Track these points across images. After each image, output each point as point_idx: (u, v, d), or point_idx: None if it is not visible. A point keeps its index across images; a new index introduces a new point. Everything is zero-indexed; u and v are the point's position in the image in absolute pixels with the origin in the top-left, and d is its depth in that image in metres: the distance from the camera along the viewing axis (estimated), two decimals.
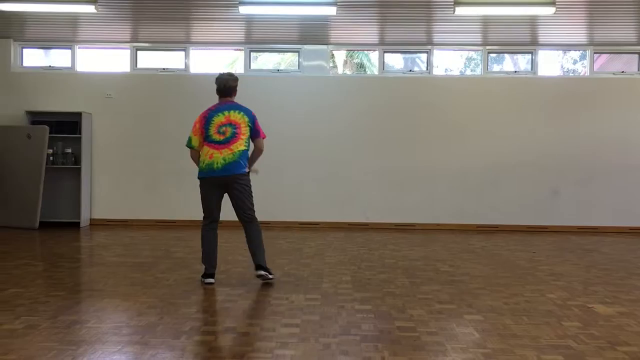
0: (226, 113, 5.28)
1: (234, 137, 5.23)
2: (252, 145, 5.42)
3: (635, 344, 3.69)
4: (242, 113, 5.32)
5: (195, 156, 5.40)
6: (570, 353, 3.50)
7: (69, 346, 3.51)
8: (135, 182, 9.48)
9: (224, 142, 5.21)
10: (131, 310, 4.38)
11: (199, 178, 5.31)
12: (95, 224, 9.39)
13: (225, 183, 5.23)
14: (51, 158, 9.12)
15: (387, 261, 6.49)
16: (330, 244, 7.71)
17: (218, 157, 5.18)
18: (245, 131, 5.30)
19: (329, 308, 4.44)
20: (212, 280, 5.27)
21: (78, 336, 3.71)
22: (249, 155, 5.39)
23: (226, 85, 5.41)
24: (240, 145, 5.25)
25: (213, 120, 5.27)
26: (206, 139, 5.27)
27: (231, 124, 5.25)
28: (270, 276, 5.30)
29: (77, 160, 9.23)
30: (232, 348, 3.57)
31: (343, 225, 9.29)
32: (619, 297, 4.94)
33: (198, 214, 9.07)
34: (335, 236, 8.37)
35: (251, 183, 5.36)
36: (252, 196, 5.35)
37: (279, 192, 9.13)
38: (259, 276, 5.27)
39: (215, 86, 5.46)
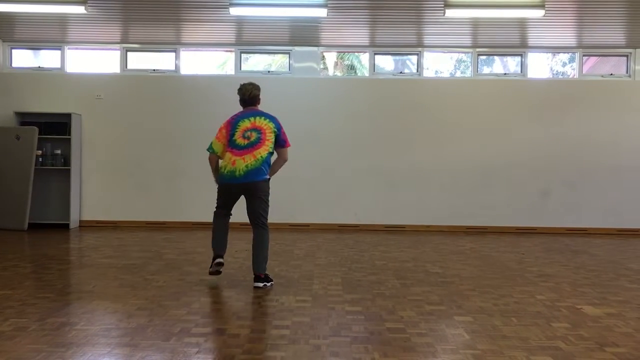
0: (252, 119, 5.30)
1: (258, 142, 5.23)
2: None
3: (624, 345, 3.71)
4: (268, 120, 5.33)
5: (214, 161, 5.40)
6: (559, 354, 3.51)
7: (57, 348, 3.49)
8: (125, 184, 9.44)
9: (247, 146, 5.20)
10: (121, 312, 4.36)
11: (219, 182, 5.34)
12: (85, 225, 9.35)
13: (245, 189, 5.24)
14: (40, 159, 9.07)
15: (377, 263, 6.50)
16: (321, 245, 7.71)
17: (241, 163, 5.16)
18: (270, 137, 5.28)
19: (319, 310, 4.45)
20: (220, 260, 5.29)
21: (67, 338, 3.69)
22: (271, 163, 5.38)
23: (251, 95, 5.41)
24: (264, 150, 5.23)
25: (239, 125, 5.28)
26: (230, 144, 5.25)
27: (256, 129, 5.26)
28: (268, 284, 5.27)
29: (66, 161, 9.19)
30: (222, 350, 3.56)
31: (333, 227, 9.30)
32: (607, 298, 4.97)
33: (188, 216, 9.14)
34: (325, 238, 8.38)
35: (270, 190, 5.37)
36: (268, 205, 5.36)
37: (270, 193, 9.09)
38: (257, 287, 5.24)
39: (238, 97, 5.46)
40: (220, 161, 5.34)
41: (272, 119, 5.37)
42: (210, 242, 5.47)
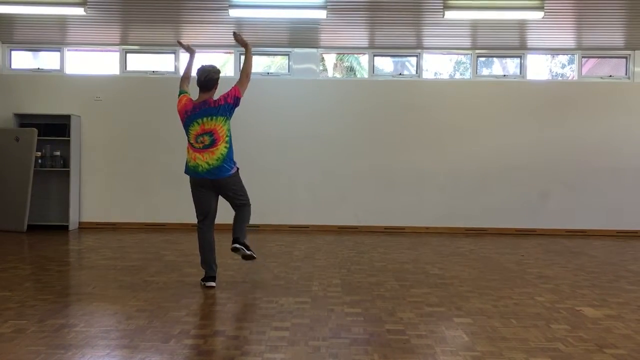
0: (200, 122, 5.12)
1: (213, 144, 5.14)
2: (232, 138, 5.31)
3: (623, 346, 3.71)
4: (214, 117, 5.12)
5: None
6: (558, 355, 3.52)
7: (57, 350, 3.49)
8: (125, 185, 9.44)
9: (203, 148, 5.16)
10: (120, 313, 4.36)
11: (185, 173, 5.31)
12: (84, 227, 9.34)
13: (212, 184, 5.21)
14: (40, 161, 9.07)
15: (376, 264, 6.50)
16: (320, 247, 7.71)
17: (201, 161, 5.15)
18: (223, 132, 5.16)
19: (319, 311, 4.45)
20: (213, 283, 5.26)
21: (66, 340, 3.69)
22: (233, 156, 5.27)
23: (207, 77, 5.19)
24: (221, 148, 5.16)
25: (190, 129, 5.19)
26: (188, 140, 5.24)
27: (207, 132, 5.14)
28: (248, 252, 5.25)
29: (65, 163, 9.18)
30: (221, 352, 3.56)
31: (333, 228, 9.30)
32: (607, 300, 4.97)
33: (188, 217, 9.08)
34: (325, 239, 8.38)
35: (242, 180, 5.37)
36: (244, 190, 5.34)
37: (269, 194, 9.11)
38: (234, 250, 5.23)
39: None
40: (186, 154, 5.28)
41: (217, 110, 5.13)
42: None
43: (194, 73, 5.43)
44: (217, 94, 5.29)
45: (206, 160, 5.14)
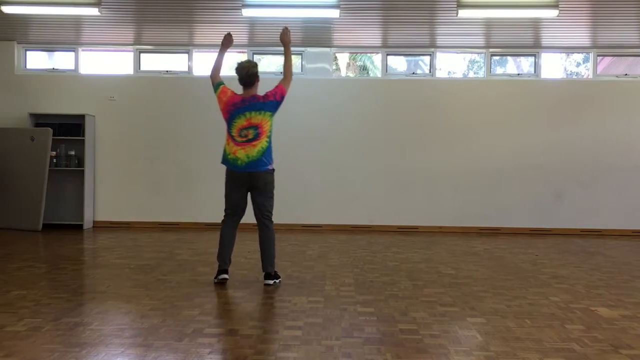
0: (248, 115, 5.23)
1: (256, 137, 5.24)
2: (272, 134, 5.42)
3: (639, 347, 3.68)
4: (262, 112, 5.25)
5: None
6: (573, 356, 3.49)
7: (71, 348, 3.52)
8: (139, 185, 9.49)
9: (246, 142, 5.24)
10: (134, 312, 4.38)
11: (222, 163, 5.35)
12: (99, 226, 9.41)
13: (249, 179, 5.27)
14: (54, 160, 9.14)
15: (390, 264, 6.49)
16: (333, 246, 7.71)
17: (242, 154, 5.22)
18: (267, 126, 5.28)
19: (332, 310, 4.44)
20: (225, 275, 5.32)
21: (81, 338, 3.71)
22: (272, 150, 5.36)
23: (249, 73, 5.31)
24: (262, 142, 5.25)
25: (235, 122, 5.25)
26: (229, 130, 5.29)
27: (252, 126, 5.24)
28: (277, 281, 5.41)
29: (80, 162, 9.25)
30: (234, 350, 3.57)
31: (346, 228, 9.29)
32: (622, 300, 4.93)
33: (202, 217, 9.17)
34: (338, 238, 8.37)
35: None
36: (273, 198, 5.41)
37: (282, 194, 9.05)
38: (267, 285, 5.36)
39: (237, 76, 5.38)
40: (224, 145, 5.34)
41: (265, 106, 5.27)
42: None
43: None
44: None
45: (246, 153, 5.21)
